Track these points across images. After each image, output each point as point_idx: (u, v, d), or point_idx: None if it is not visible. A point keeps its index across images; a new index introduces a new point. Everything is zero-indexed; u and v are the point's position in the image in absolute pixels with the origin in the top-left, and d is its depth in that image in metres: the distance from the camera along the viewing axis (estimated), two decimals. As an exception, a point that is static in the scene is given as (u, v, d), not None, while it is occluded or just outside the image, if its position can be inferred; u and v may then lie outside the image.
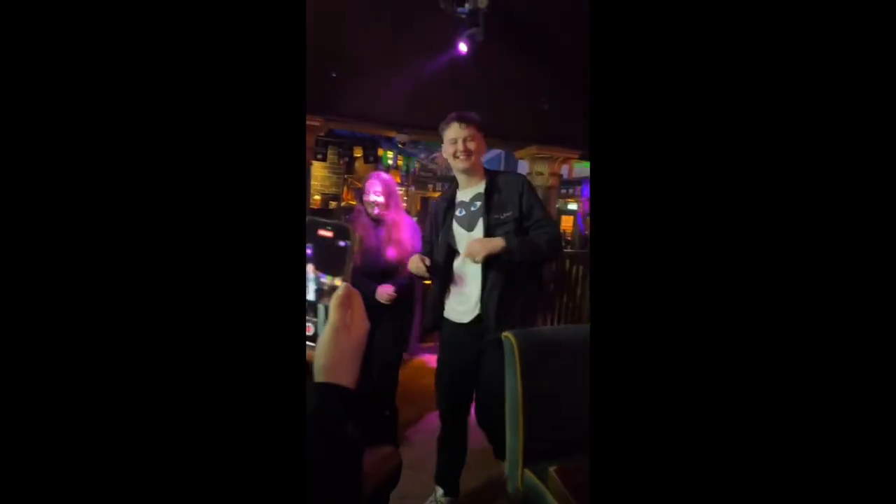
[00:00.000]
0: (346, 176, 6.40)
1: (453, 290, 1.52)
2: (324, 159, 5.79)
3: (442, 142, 1.50)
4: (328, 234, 0.46)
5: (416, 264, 1.48)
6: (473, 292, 1.45)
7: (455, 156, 1.46)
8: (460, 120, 1.45)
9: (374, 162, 5.81)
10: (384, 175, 1.87)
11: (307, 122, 2.67)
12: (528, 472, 1.23)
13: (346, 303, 0.43)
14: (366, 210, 1.82)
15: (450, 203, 1.54)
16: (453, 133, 1.45)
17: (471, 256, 1.38)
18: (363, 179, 1.94)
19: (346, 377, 0.42)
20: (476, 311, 1.44)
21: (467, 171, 1.47)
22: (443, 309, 1.55)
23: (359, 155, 6.03)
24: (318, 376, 0.42)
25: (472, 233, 1.46)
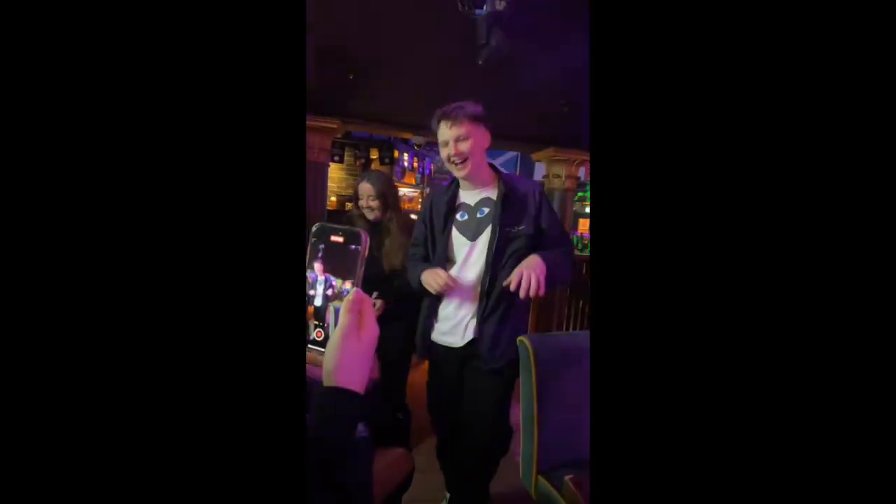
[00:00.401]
0: (362, 177, 6.44)
1: (441, 308, 1.31)
2: (341, 161, 5.84)
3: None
4: (339, 238, 0.45)
5: (438, 281, 1.19)
6: (466, 312, 1.26)
7: (450, 161, 1.21)
8: (445, 118, 1.18)
9: (390, 164, 5.85)
10: (375, 174, 1.67)
11: (325, 125, 2.70)
12: (542, 480, 1.21)
13: (356, 307, 0.43)
14: (363, 216, 1.67)
15: (450, 204, 1.30)
16: (443, 135, 1.20)
17: (526, 290, 1.09)
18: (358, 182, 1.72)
19: (356, 381, 0.42)
20: (470, 336, 1.25)
21: (470, 177, 1.24)
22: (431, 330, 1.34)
23: (375, 157, 6.08)
24: (328, 380, 0.41)
25: (473, 242, 1.25)
